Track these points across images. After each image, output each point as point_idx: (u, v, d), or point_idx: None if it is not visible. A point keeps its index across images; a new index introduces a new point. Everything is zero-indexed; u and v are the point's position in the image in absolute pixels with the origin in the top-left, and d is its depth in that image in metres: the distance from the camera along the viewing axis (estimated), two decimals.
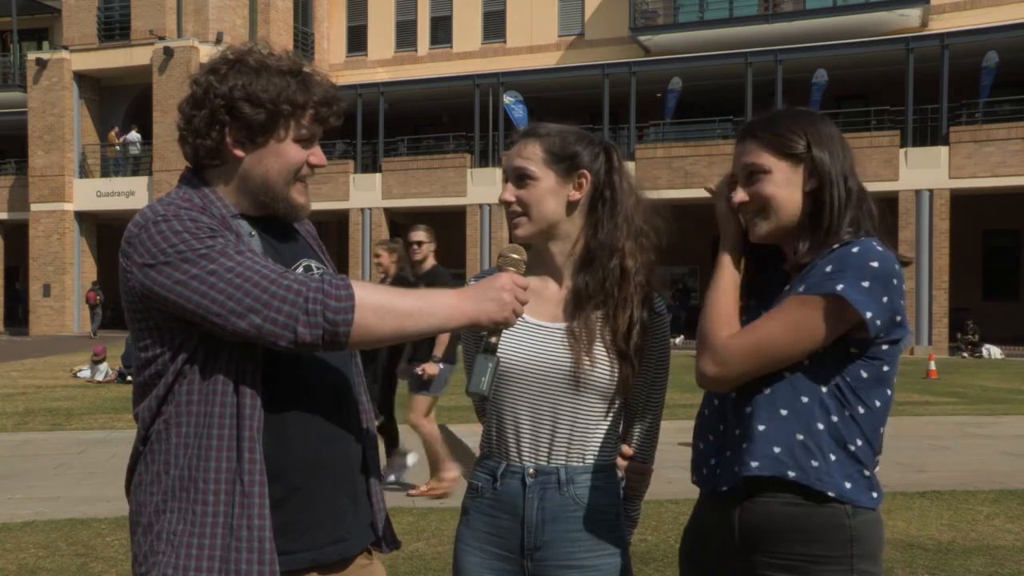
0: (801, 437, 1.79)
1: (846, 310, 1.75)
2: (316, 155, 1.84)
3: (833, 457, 1.79)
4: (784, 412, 1.80)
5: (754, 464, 1.80)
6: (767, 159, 1.87)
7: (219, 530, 1.67)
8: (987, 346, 21.61)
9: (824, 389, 1.79)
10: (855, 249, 1.77)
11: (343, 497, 1.83)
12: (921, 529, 5.71)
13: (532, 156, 2.03)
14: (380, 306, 1.66)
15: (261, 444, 1.69)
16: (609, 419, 2.05)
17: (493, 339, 1.82)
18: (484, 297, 1.74)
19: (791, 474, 1.78)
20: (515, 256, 1.87)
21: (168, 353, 1.70)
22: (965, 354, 21.50)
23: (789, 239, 1.89)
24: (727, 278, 1.89)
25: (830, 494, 1.78)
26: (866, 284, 1.74)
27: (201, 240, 1.65)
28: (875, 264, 1.76)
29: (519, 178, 2.03)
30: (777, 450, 1.79)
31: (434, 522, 5.85)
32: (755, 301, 1.93)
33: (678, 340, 21.26)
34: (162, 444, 1.72)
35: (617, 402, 2.06)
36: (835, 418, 1.80)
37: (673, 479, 5.82)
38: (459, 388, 2.26)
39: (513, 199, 2.03)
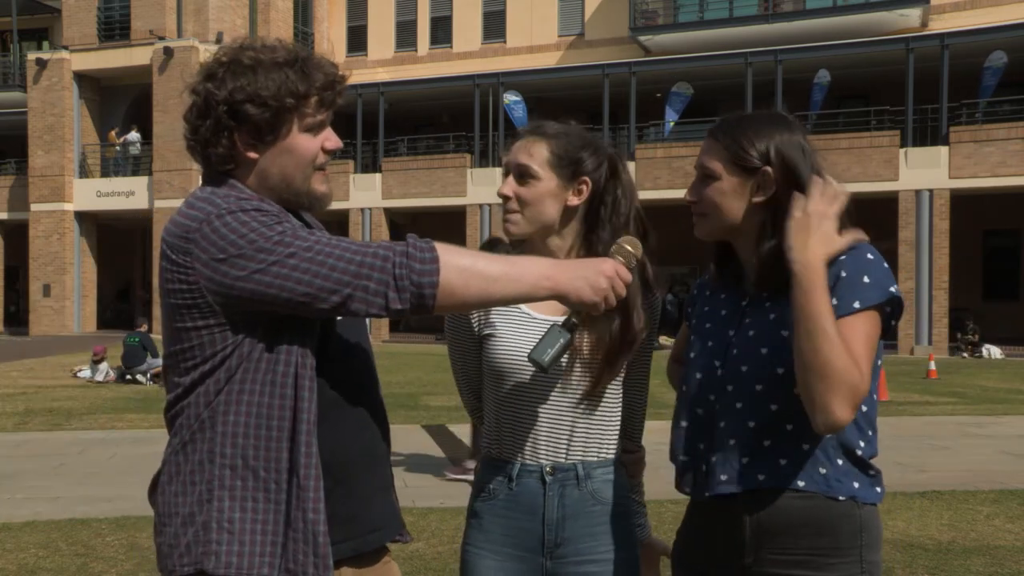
0: (807, 447, 1.80)
1: (886, 310, 1.78)
2: (330, 139, 1.82)
3: (840, 463, 1.80)
4: (789, 427, 1.80)
5: (761, 477, 1.80)
6: (718, 166, 1.88)
7: (280, 517, 1.68)
8: (987, 346, 21.62)
9: None
10: (870, 256, 1.80)
11: (376, 487, 1.86)
12: (921, 529, 5.71)
13: (537, 155, 2.02)
14: (465, 268, 1.65)
15: (316, 437, 1.69)
16: (617, 411, 2.07)
17: (575, 318, 1.79)
18: (580, 275, 1.71)
19: (800, 483, 1.79)
20: (629, 248, 1.84)
21: (229, 347, 1.69)
22: (965, 354, 21.50)
23: (733, 237, 1.91)
24: (826, 293, 1.72)
25: (840, 498, 1.79)
26: (895, 287, 1.79)
27: (271, 227, 1.64)
28: (886, 266, 1.81)
29: (521, 175, 2.02)
30: (784, 462, 1.80)
31: (434, 522, 5.85)
32: (711, 324, 1.95)
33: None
34: (206, 433, 1.71)
35: (621, 392, 2.08)
36: None
37: (672, 479, 5.81)
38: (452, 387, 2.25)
39: (512, 195, 2.02)
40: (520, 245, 2.12)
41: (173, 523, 1.72)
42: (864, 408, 1.82)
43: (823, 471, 1.79)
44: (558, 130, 2.06)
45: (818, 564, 1.78)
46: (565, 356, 1.93)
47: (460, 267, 1.64)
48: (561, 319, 1.87)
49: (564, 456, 2.01)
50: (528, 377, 1.99)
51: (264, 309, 1.66)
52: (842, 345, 1.68)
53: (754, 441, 1.81)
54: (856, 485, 1.81)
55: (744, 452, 1.82)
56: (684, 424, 1.94)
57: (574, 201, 2.03)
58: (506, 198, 2.03)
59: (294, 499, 1.68)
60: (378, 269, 1.62)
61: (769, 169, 1.84)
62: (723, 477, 1.84)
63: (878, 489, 1.84)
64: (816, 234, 1.74)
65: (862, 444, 1.82)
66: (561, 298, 1.72)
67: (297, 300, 1.62)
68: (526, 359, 1.90)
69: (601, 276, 1.71)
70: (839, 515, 1.79)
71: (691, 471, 1.92)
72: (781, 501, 1.80)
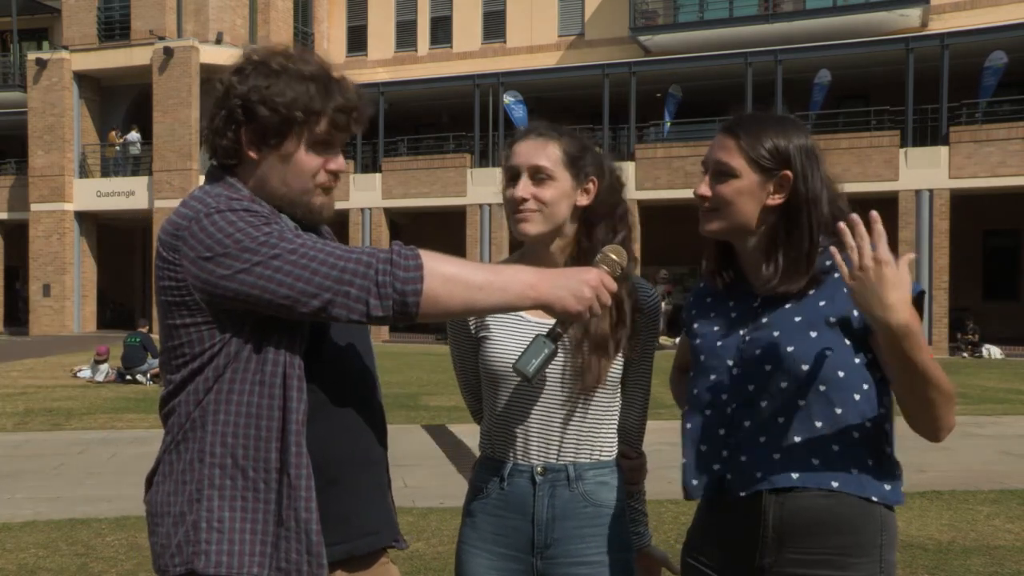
0: (837, 447, 1.80)
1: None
2: (335, 161, 1.82)
3: (871, 462, 1.81)
4: (819, 424, 1.80)
5: (795, 476, 1.80)
6: (739, 163, 1.86)
7: (271, 516, 1.69)
8: (987, 346, 21.61)
9: (857, 397, 1.80)
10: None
11: (373, 490, 1.86)
12: (921, 529, 5.71)
13: (552, 156, 2.02)
14: (449, 276, 1.65)
15: (306, 437, 1.70)
16: (612, 413, 2.07)
17: (559, 328, 1.79)
18: (563, 284, 1.71)
19: (834, 484, 1.79)
20: (613, 257, 1.84)
21: (217, 345, 1.70)
22: (965, 354, 21.50)
23: (740, 237, 1.90)
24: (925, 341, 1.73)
25: (873, 499, 1.80)
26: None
27: (258, 228, 1.65)
28: None
29: (537, 176, 2.02)
30: (816, 461, 1.80)
31: (434, 522, 5.85)
32: (719, 328, 1.94)
33: (677, 340, 21.22)
34: (196, 432, 1.72)
35: (617, 395, 2.08)
36: (868, 424, 1.82)
37: (673, 479, 5.79)
38: (455, 388, 2.26)
39: (529, 196, 2.01)
40: (518, 247, 2.13)
41: (165, 523, 1.74)
42: (883, 410, 1.84)
43: (855, 471, 1.80)
44: (564, 130, 2.07)
45: (840, 563, 1.78)
46: (559, 358, 1.94)
47: (444, 276, 1.65)
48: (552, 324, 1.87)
49: (555, 457, 2.01)
50: (520, 379, 1.99)
51: (249, 309, 1.67)
52: (943, 373, 1.71)
53: (784, 438, 1.81)
54: (888, 488, 1.82)
55: (775, 449, 1.82)
56: (698, 431, 1.92)
57: (583, 201, 2.05)
58: (523, 199, 2.01)
59: (285, 498, 1.69)
60: (360, 275, 1.62)
61: (789, 173, 1.85)
62: (758, 475, 1.83)
63: (902, 490, 1.85)
64: (900, 287, 1.63)
65: (894, 441, 1.84)
66: (545, 308, 1.72)
67: (278, 302, 1.63)
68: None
69: (585, 286, 1.71)
70: (862, 514, 1.79)
71: (714, 475, 1.90)
72: (806, 500, 1.80)
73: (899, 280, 1.63)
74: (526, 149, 2.04)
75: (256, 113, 1.74)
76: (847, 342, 1.80)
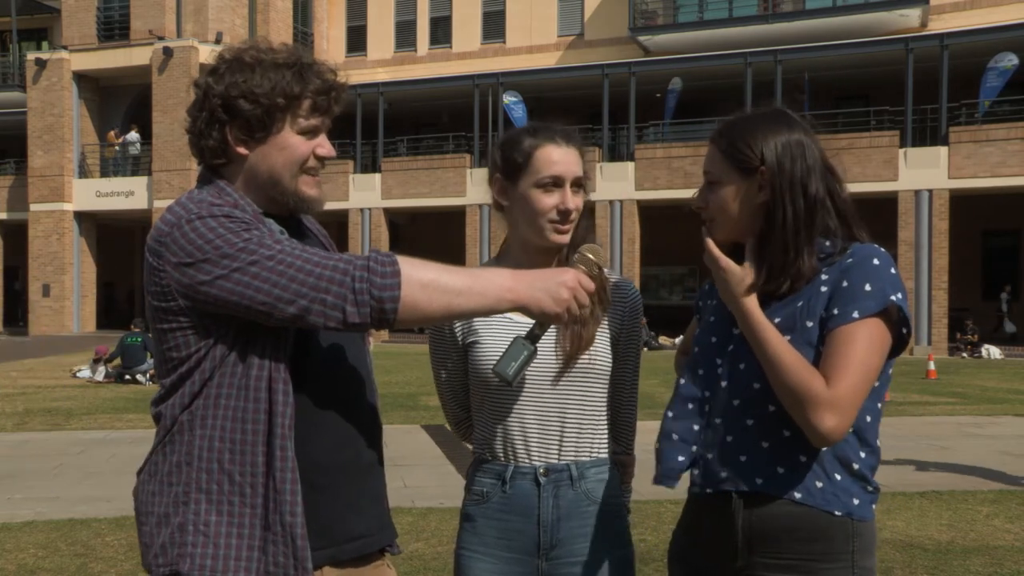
0: (804, 458, 1.78)
1: (894, 317, 1.77)
2: (323, 146, 1.83)
3: (838, 477, 1.79)
4: (787, 433, 1.79)
5: (759, 481, 1.79)
6: (720, 169, 1.86)
7: (257, 521, 1.70)
8: (987, 346, 21.62)
9: None
10: (876, 261, 1.78)
11: (361, 496, 1.85)
12: (921, 529, 5.71)
13: (586, 164, 2.07)
14: (427, 282, 1.66)
15: (292, 442, 1.71)
16: (606, 410, 2.08)
17: (538, 329, 1.78)
18: (541, 286, 1.71)
19: (797, 495, 1.78)
20: (591, 257, 1.84)
21: (203, 350, 1.71)
22: (964, 354, 21.50)
23: (743, 240, 1.89)
24: (769, 327, 1.78)
25: (837, 513, 1.78)
26: (900, 295, 1.76)
27: (237, 234, 1.66)
28: (894, 271, 1.79)
29: (577, 185, 2.03)
30: (781, 470, 1.79)
31: (433, 522, 5.85)
32: (715, 319, 1.95)
33: (677, 340, 21.22)
34: (184, 436, 1.73)
35: (608, 391, 2.08)
36: None
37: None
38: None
39: (575, 207, 2.03)
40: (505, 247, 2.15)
41: (149, 521, 1.75)
42: (868, 418, 1.81)
43: (819, 484, 1.78)
44: (577, 134, 2.09)
45: (809, 569, 1.77)
46: (552, 357, 1.95)
47: (423, 282, 1.65)
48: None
49: (556, 456, 2.01)
50: (522, 382, 1.99)
51: (230, 314, 1.68)
52: (799, 363, 1.71)
53: (752, 441, 1.81)
54: (856, 502, 1.79)
55: (743, 451, 1.82)
56: (678, 422, 1.92)
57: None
58: (570, 211, 2.02)
59: (271, 502, 1.69)
60: (336, 283, 1.63)
61: (764, 169, 1.83)
62: (723, 474, 1.83)
63: (873, 507, 1.83)
64: (735, 284, 1.82)
65: (862, 455, 1.81)
66: (523, 310, 1.72)
67: (256, 308, 1.64)
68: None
69: (562, 287, 1.71)
70: (830, 524, 1.78)
71: (685, 468, 1.90)
72: (775, 507, 1.79)
73: (730, 277, 1.83)
74: (568, 159, 2.03)
75: (239, 109, 1.74)
76: (820, 348, 1.77)
